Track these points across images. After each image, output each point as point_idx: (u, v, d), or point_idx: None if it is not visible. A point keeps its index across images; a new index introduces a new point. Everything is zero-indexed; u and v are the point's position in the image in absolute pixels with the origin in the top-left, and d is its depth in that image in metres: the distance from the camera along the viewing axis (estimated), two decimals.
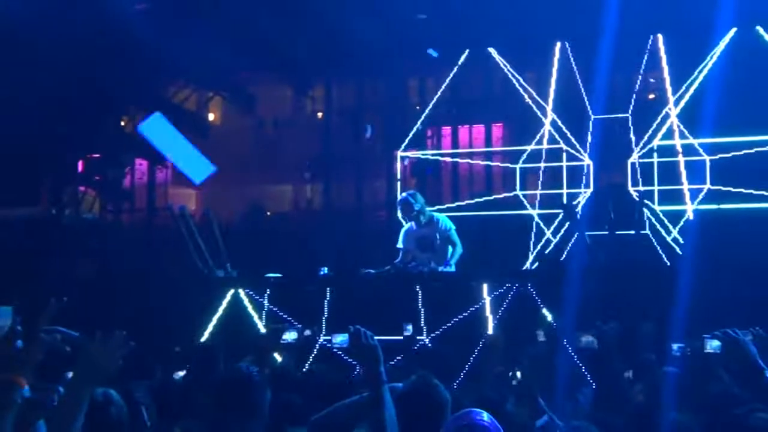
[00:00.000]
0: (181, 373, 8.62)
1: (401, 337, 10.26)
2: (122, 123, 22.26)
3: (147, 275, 17.80)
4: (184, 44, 17.06)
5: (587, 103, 17.74)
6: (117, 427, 4.76)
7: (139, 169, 22.66)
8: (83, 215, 21.31)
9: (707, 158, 16.85)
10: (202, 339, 11.64)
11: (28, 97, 17.80)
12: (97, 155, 21.68)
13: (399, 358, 9.79)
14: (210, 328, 11.94)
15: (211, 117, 26.01)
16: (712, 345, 5.01)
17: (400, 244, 12.65)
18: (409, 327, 10.21)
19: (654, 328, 9.87)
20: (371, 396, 4.62)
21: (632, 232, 13.61)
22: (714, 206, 16.13)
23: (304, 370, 9.48)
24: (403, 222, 12.84)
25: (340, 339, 5.44)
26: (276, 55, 20.74)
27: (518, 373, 7.91)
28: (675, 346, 7.18)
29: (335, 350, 6.20)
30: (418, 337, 10.98)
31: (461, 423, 4.49)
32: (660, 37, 17.50)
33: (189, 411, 6.46)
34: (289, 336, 7.70)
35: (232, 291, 12.35)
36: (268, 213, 23.12)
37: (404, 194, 12.94)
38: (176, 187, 24.94)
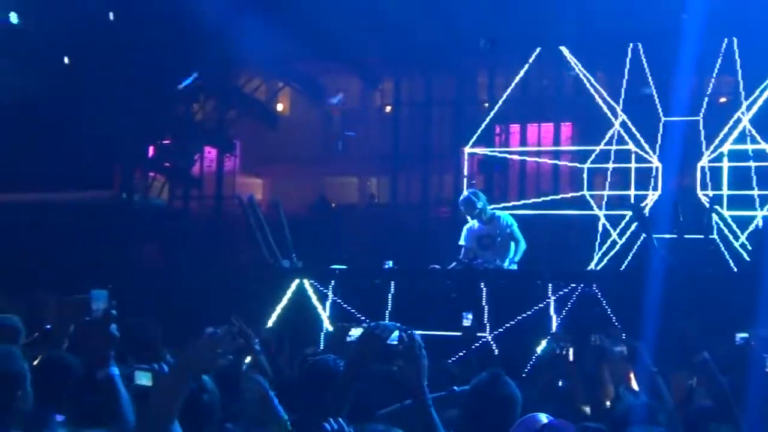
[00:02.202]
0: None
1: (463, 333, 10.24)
2: (193, 110, 22.46)
3: (213, 263, 17.98)
4: (256, 34, 17.20)
5: (658, 104, 17.60)
6: (208, 412, 4.82)
7: (207, 157, 22.85)
8: (152, 201, 21.56)
9: None
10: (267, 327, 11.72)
11: (104, 83, 18.08)
12: (168, 141, 21.89)
13: (462, 353, 9.83)
14: (274, 317, 12.05)
15: (280, 107, 26.16)
16: None
17: (462, 241, 12.68)
18: (469, 316, 10.16)
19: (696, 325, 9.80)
20: (419, 410, 4.35)
21: (701, 236, 13.49)
22: None
23: None
24: (468, 219, 12.87)
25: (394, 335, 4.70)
26: (347, 48, 20.81)
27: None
28: (738, 336, 7.14)
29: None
30: (479, 334, 10.99)
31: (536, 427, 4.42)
32: (735, 40, 17.28)
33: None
34: (356, 333, 7.64)
35: (297, 281, 12.44)
36: (333, 205, 23.20)
37: (466, 193, 12.98)
38: (244, 176, 25.13)
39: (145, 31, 18.28)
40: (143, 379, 4.49)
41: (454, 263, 12.34)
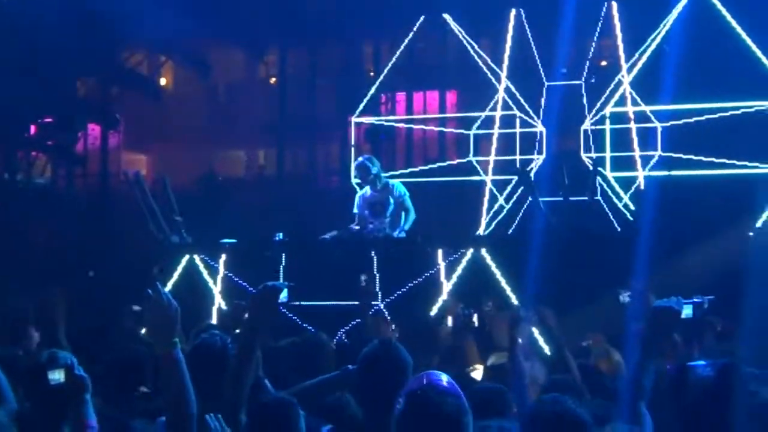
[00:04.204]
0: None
1: (357, 303, 10.27)
2: (76, 87, 22.06)
3: (101, 241, 17.72)
4: (138, 7, 16.95)
5: (541, 69, 17.81)
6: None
7: (91, 134, 22.47)
8: (35, 180, 21.14)
9: (659, 125, 17.00)
10: None
11: None
12: (50, 119, 21.44)
13: (356, 321, 9.87)
14: None
15: (163, 82, 25.82)
16: (686, 312, 4.93)
17: (356, 209, 12.70)
18: (363, 277, 10.18)
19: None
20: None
21: (585, 198, 13.73)
22: (665, 173, 16.28)
23: None
24: (358, 188, 12.90)
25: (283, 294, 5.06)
26: (230, 20, 20.63)
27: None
28: (623, 294, 7.31)
29: None
30: (373, 303, 11.04)
31: (420, 384, 4.48)
32: (614, 4, 17.55)
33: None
34: None
35: (187, 257, 12.37)
36: (219, 178, 23.01)
37: (360, 158, 12.95)
38: (129, 152, 24.82)
39: (24, 7, 17.87)
40: (57, 375, 4.47)
41: (341, 231, 12.35)
